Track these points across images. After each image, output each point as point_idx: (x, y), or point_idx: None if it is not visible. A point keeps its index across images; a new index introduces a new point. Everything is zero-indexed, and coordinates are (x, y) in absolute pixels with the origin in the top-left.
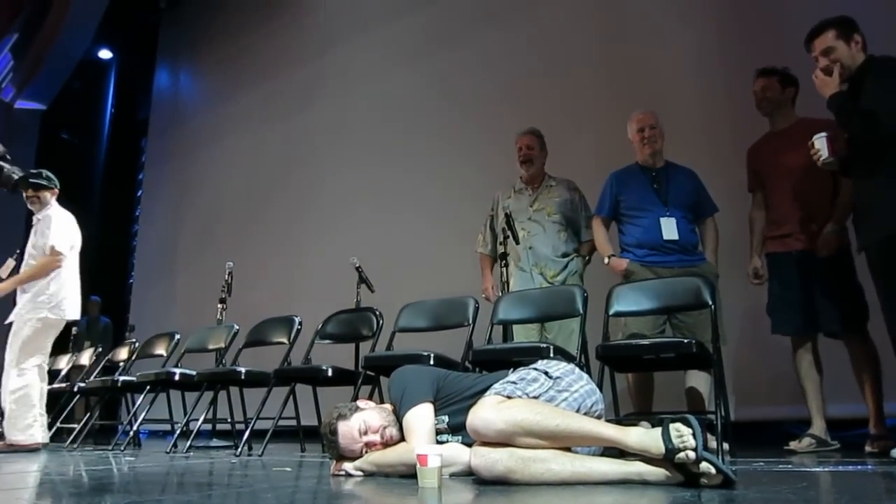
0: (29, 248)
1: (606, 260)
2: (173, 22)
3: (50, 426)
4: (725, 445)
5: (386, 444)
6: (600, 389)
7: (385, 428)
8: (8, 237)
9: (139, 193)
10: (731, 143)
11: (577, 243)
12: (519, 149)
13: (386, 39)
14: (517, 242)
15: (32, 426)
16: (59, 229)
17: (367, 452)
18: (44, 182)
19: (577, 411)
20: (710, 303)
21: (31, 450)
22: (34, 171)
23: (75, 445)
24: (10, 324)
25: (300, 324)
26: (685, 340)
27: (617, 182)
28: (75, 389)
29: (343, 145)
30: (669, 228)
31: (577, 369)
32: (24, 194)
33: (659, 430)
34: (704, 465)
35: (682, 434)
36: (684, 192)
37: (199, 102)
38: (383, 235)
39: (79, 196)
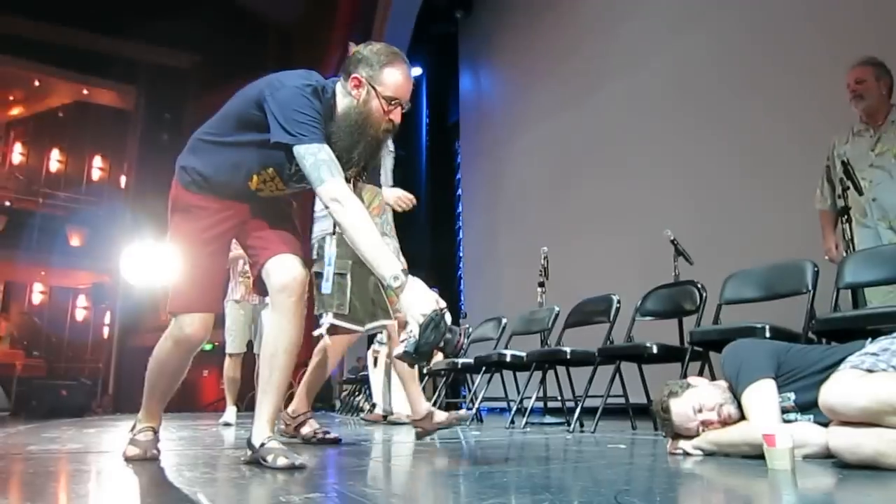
0: None
1: None
2: (469, 29)
3: None
4: None
5: (724, 423)
6: None
7: (721, 406)
8: None
9: (458, 192)
10: None
11: None
12: (847, 85)
13: (671, 2)
14: (860, 194)
15: None
16: None
17: (703, 431)
18: None
19: None
20: None
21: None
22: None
23: None
24: None
25: (619, 302)
26: None
27: None
28: (424, 371)
29: (641, 118)
30: None
31: None
32: None
33: None
34: None
35: None
36: None
37: (501, 99)
38: (696, 204)
39: None
